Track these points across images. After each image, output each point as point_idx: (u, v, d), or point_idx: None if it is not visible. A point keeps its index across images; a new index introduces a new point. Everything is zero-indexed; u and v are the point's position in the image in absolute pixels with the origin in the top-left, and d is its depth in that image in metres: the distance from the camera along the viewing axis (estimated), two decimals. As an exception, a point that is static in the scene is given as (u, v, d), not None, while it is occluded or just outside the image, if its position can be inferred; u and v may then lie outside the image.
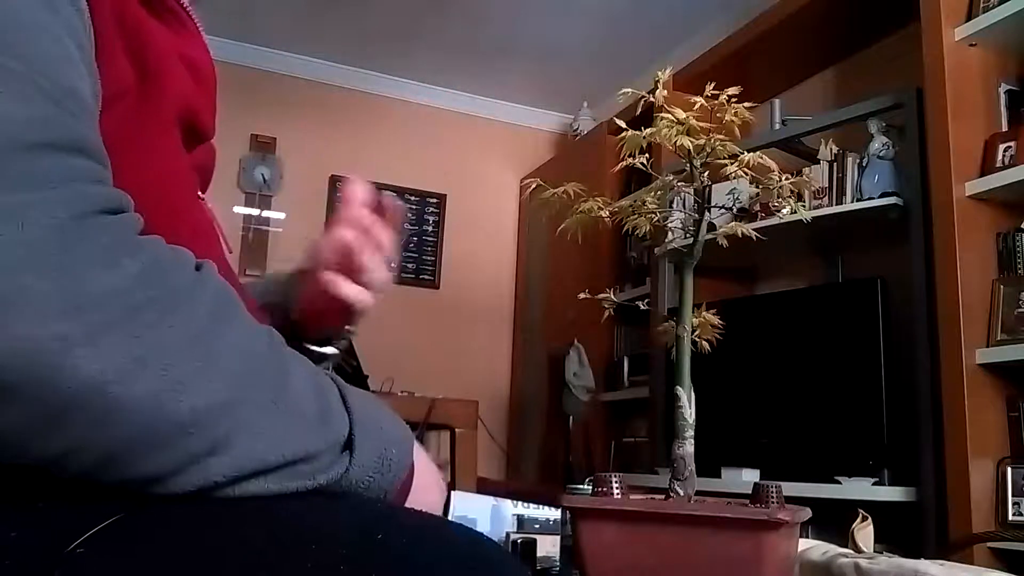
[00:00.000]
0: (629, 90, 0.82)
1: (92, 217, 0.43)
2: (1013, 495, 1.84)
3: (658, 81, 0.77)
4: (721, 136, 0.75)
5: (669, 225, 0.88)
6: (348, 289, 0.81)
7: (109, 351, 0.41)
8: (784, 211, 0.83)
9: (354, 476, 0.52)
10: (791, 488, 1.92)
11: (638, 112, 0.85)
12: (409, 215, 4.28)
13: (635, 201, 0.82)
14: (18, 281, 0.39)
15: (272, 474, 0.48)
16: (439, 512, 0.63)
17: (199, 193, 0.71)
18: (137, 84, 0.57)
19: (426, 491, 0.60)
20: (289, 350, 0.53)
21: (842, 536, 0.93)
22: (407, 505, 0.57)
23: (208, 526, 0.46)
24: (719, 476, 2.45)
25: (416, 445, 0.61)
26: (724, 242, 0.82)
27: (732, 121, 0.75)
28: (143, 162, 0.57)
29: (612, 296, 0.86)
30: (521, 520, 1.48)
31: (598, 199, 0.80)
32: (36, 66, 0.44)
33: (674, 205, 1.94)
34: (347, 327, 0.87)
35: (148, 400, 0.42)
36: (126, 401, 0.42)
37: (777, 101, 2.85)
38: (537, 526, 1.48)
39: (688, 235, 0.82)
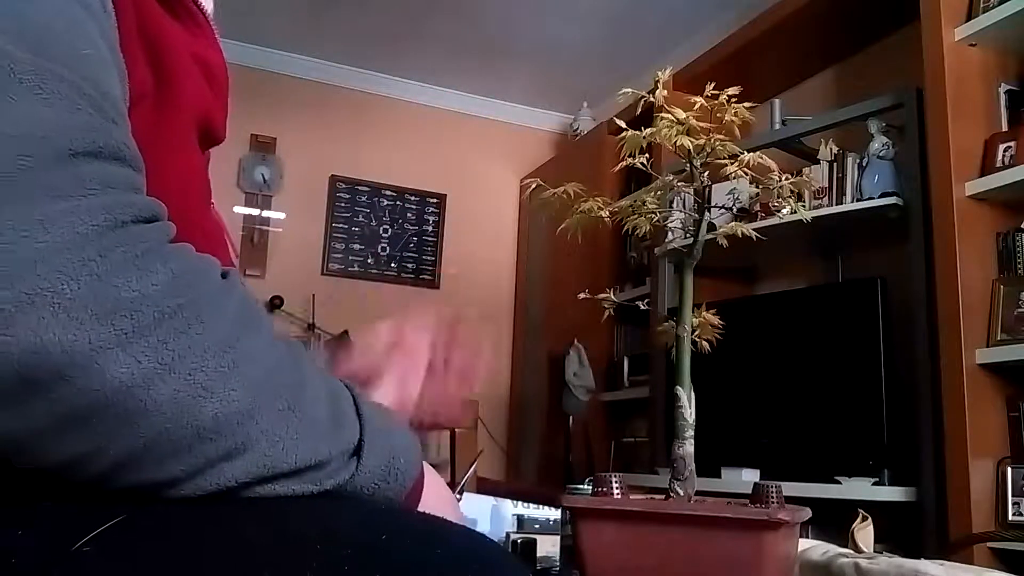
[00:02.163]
0: (629, 90, 0.82)
1: (131, 225, 0.44)
2: (1013, 495, 1.84)
3: (658, 81, 0.77)
4: (721, 136, 0.75)
5: (669, 225, 0.88)
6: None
7: (138, 356, 0.42)
8: (784, 211, 0.83)
9: (359, 482, 0.52)
10: (791, 488, 1.92)
11: (638, 112, 0.85)
12: (409, 215, 4.28)
13: (635, 201, 0.82)
14: (55, 285, 0.40)
15: (282, 480, 0.48)
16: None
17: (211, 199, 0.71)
18: (154, 88, 0.57)
19: (440, 511, 0.60)
20: (305, 355, 0.53)
21: (842, 536, 0.93)
22: None
23: (212, 526, 0.46)
24: (719, 476, 2.45)
25: (433, 473, 0.62)
26: (724, 242, 0.82)
27: (732, 121, 0.75)
28: (162, 167, 0.57)
29: (612, 296, 0.86)
30: (521, 520, 1.48)
31: (598, 199, 0.80)
32: (78, 70, 0.45)
33: (674, 205, 1.95)
34: None
35: (172, 405, 0.43)
36: (151, 405, 0.42)
37: (777, 101, 2.85)
38: (537, 526, 1.48)
39: (688, 235, 0.82)
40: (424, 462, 0.62)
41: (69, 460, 0.43)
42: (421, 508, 0.58)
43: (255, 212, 3.97)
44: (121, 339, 0.41)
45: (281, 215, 4.02)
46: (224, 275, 0.49)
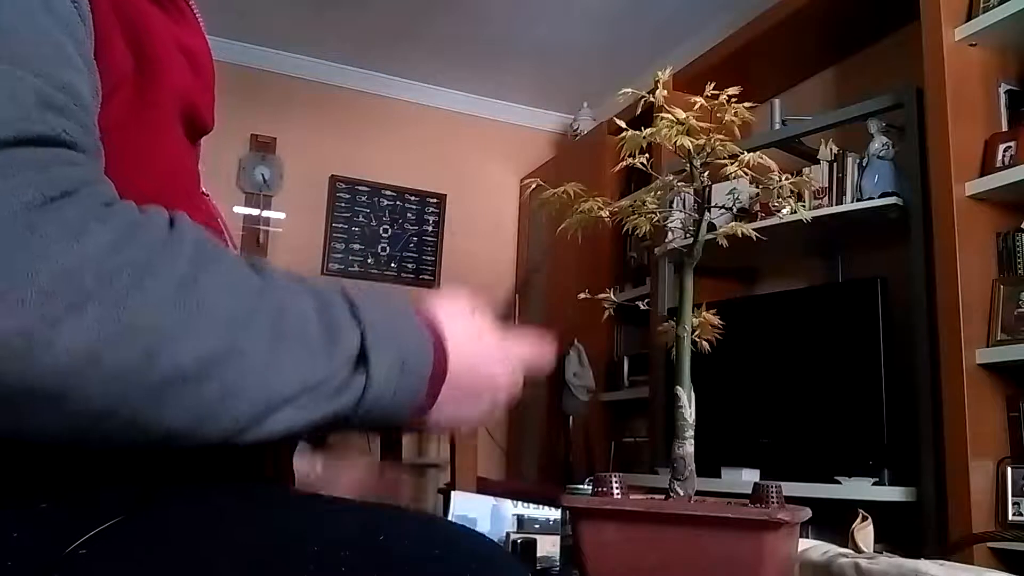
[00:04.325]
0: (629, 90, 0.82)
1: (57, 199, 0.43)
2: (1013, 495, 1.84)
3: (658, 81, 0.77)
4: (721, 136, 0.75)
5: (669, 225, 0.88)
6: None
7: (92, 322, 0.41)
8: (784, 211, 0.83)
9: (375, 391, 0.50)
10: (791, 488, 1.92)
11: (638, 112, 0.85)
12: (409, 215, 4.29)
13: (635, 201, 0.81)
14: None
15: (292, 404, 0.48)
16: (504, 384, 0.60)
17: (202, 189, 0.71)
18: (135, 74, 0.57)
19: (474, 371, 0.57)
20: (281, 273, 0.52)
21: (842, 536, 0.93)
22: (448, 399, 0.54)
23: (210, 527, 0.46)
24: (719, 476, 2.45)
25: (462, 316, 0.58)
26: (724, 242, 0.82)
27: (732, 121, 0.75)
28: (144, 154, 0.56)
29: (612, 296, 0.86)
30: (521, 520, 1.48)
31: (598, 199, 0.80)
32: (23, 63, 0.45)
33: (674, 205, 1.94)
34: None
35: (144, 360, 0.42)
36: (122, 366, 0.42)
37: (777, 101, 2.85)
38: (537, 526, 1.48)
39: (688, 235, 0.82)
40: (458, 307, 0.59)
41: (70, 431, 0.43)
42: (451, 384, 0.55)
43: (255, 212, 3.97)
44: (70, 309, 0.41)
45: (281, 215, 4.02)
46: (172, 220, 0.48)
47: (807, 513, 0.69)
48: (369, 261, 4.16)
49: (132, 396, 0.43)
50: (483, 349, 0.59)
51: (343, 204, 4.16)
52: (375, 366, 0.50)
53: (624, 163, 0.79)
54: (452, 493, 1.61)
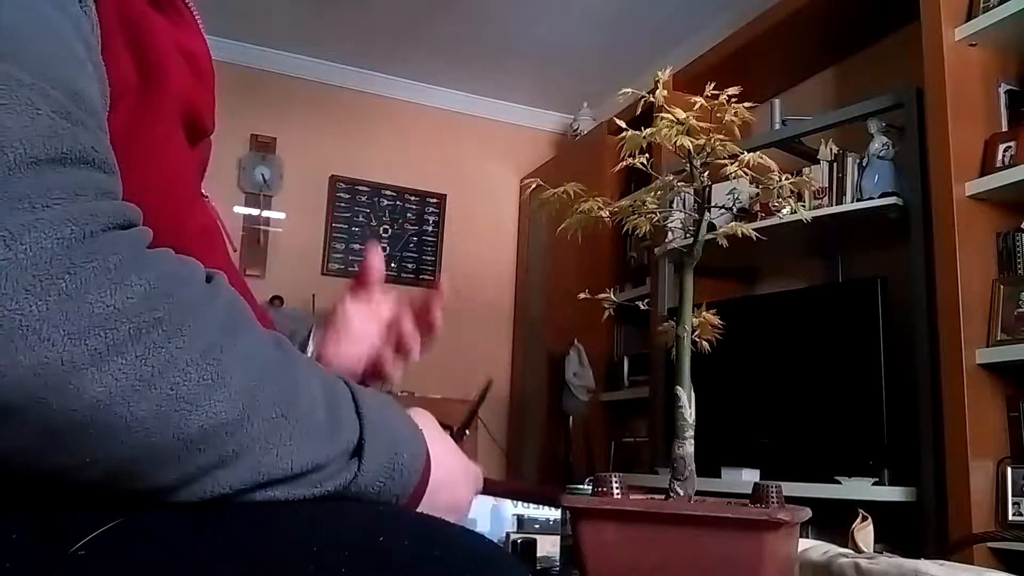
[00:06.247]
0: (629, 90, 0.82)
1: (101, 235, 0.42)
2: (1013, 495, 1.84)
3: (658, 81, 0.77)
4: (721, 136, 0.75)
5: (669, 225, 0.88)
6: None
7: (115, 372, 0.41)
8: (784, 211, 0.83)
9: (363, 482, 0.52)
10: (791, 488, 1.92)
11: (638, 112, 0.85)
12: (409, 215, 4.28)
13: (635, 201, 0.81)
14: (21, 306, 0.39)
15: (279, 485, 0.48)
16: (467, 504, 0.63)
17: (202, 191, 0.71)
18: (139, 82, 0.56)
19: (451, 487, 0.60)
20: (299, 356, 0.52)
21: (842, 536, 0.93)
22: (425, 507, 0.56)
23: (210, 529, 0.46)
24: (719, 476, 2.45)
25: (440, 434, 0.61)
26: (724, 242, 0.81)
27: (732, 121, 0.75)
28: (149, 161, 0.56)
29: (612, 296, 0.86)
30: (521, 520, 1.48)
31: (598, 199, 0.80)
32: (44, 73, 0.44)
33: (674, 205, 1.95)
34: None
35: (155, 419, 0.42)
36: (132, 421, 0.42)
37: (777, 101, 2.85)
38: (537, 526, 1.48)
39: (688, 235, 0.82)
40: (435, 426, 0.61)
41: (60, 471, 0.43)
42: (430, 492, 0.57)
43: (255, 212, 3.97)
44: (96, 358, 0.40)
45: (281, 215, 4.02)
46: (208, 278, 0.48)
47: (807, 513, 0.69)
48: (369, 261, 4.16)
49: (132, 450, 0.43)
50: (456, 466, 0.62)
51: (343, 204, 4.16)
52: (368, 463, 0.52)
53: (624, 163, 0.79)
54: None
